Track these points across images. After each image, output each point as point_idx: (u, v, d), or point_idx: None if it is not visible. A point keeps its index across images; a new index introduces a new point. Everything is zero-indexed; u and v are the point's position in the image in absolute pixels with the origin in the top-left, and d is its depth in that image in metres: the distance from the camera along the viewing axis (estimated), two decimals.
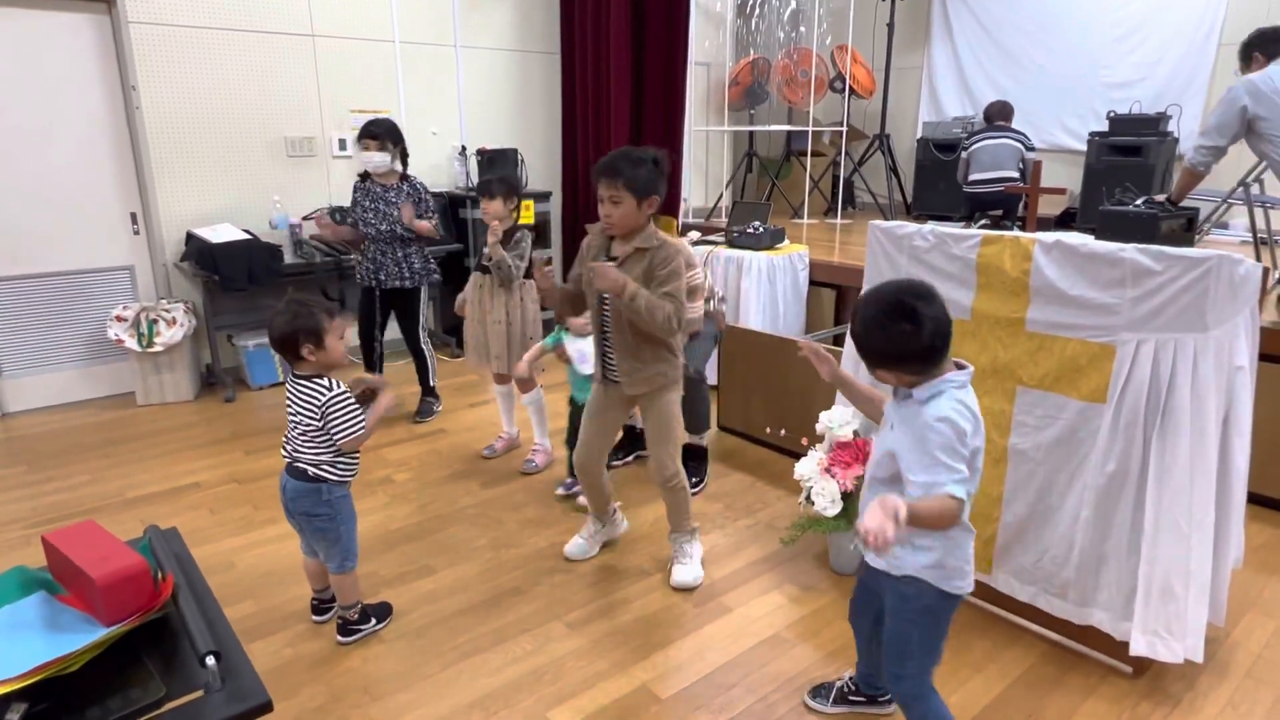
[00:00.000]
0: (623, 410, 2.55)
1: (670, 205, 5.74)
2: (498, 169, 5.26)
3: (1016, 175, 5.20)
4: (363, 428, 2.11)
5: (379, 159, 3.63)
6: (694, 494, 3.21)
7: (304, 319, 2.07)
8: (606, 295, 2.30)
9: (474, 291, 3.38)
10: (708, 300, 3.29)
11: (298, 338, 2.05)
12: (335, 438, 2.09)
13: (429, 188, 3.92)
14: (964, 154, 5.51)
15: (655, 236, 2.27)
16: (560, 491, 3.18)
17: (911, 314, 1.44)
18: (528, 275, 3.31)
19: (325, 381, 2.09)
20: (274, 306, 2.12)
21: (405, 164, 3.81)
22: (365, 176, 3.76)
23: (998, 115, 5.48)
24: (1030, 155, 5.22)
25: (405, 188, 3.77)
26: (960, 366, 1.54)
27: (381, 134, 3.66)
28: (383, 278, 3.80)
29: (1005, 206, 5.37)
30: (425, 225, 3.76)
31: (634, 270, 2.25)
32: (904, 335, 1.44)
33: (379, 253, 3.78)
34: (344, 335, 2.14)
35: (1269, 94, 3.29)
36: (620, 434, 2.65)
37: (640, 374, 2.38)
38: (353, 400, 2.11)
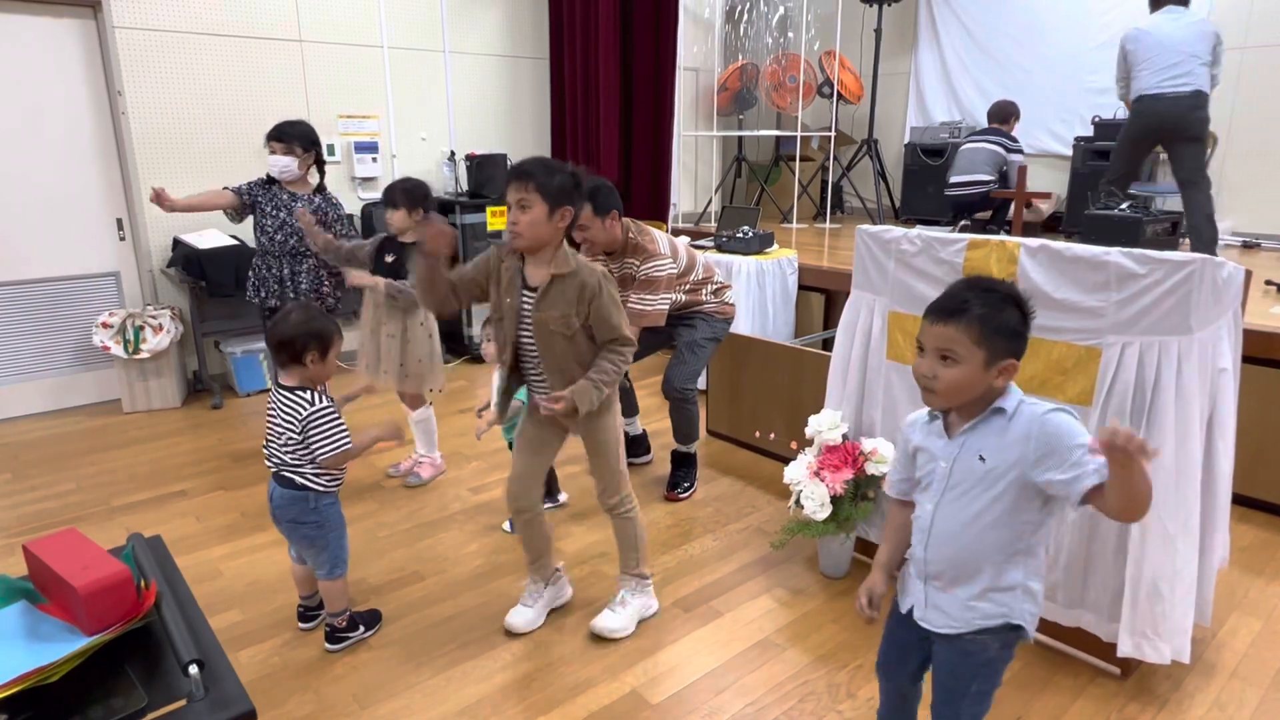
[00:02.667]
0: (558, 436, 2.31)
1: (659, 210, 5.76)
2: (487, 174, 5.26)
3: (990, 179, 5.23)
4: (345, 445, 2.09)
5: (284, 163, 3.26)
6: (683, 498, 3.22)
7: (318, 324, 2.06)
8: (527, 318, 2.08)
9: (371, 302, 3.17)
10: (699, 289, 3.15)
11: (307, 342, 2.04)
12: (315, 453, 2.07)
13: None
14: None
15: (569, 259, 2.04)
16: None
17: (1022, 304, 1.35)
18: None
19: (308, 395, 2.07)
20: (263, 313, 2.11)
21: (322, 173, 3.43)
22: (272, 181, 3.35)
23: (995, 117, 5.51)
24: (1014, 159, 5.25)
25: (319, 200, 3.36)
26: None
27: (290, 137, 3.27)
28: (264, 294, 3.39)
29: (983, 209, 5.41)
30: (321, 233, 3.14)
31: (558, 302, 2.03)
32: (1011, 316, 1.33)
33: (265, 267, 3.38)
34: (338, 354, 2.15)
35: (1136, 36, 4.38)
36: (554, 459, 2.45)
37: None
38: (336, 416, 2.09)
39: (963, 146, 5.47)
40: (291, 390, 2.07)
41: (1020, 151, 5.34)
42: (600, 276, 2.07)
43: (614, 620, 2.31)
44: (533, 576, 2.40)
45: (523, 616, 2.36)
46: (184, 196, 3.36)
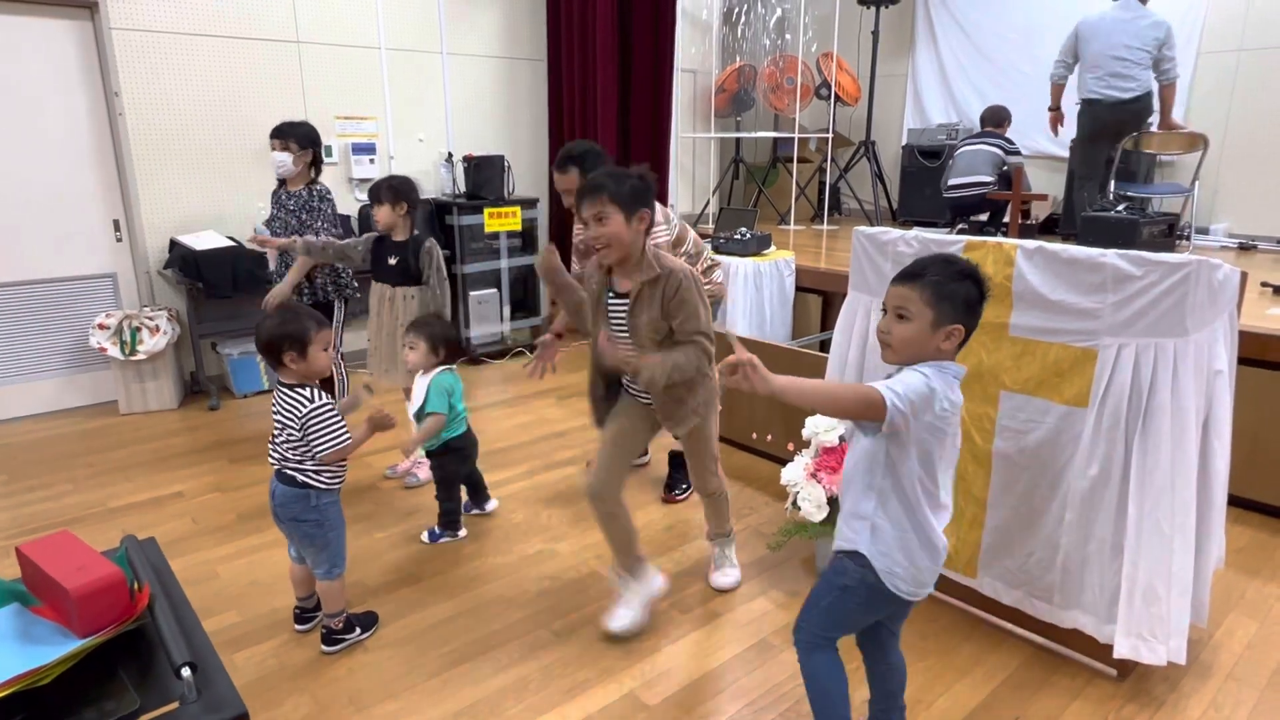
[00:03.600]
0: (649, 433, 2.36)
1: None
2: (484, 175, 5.26)
3: (990, 181, 5.24)
4: (345, 440, 2.10)
5: (280, 159, 3.36)
6: (681, 500, 3.22)
7: (291, 325, 2.07)
8: (620, 324, 2.17)
9: (379, 302, 3.21)
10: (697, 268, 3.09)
11: (282, 344, 2.05)
12: (315, 449, 2.08)
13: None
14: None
15: (654, 264, 2.09)
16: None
17: (980, 283, 1.50)
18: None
19: (307, 392, 2.08)
20: (258, 314, 2.12)
21: (318, 171, 3.51)
22: (282, 183, 3.48)
23: (989, 120, 5.53)
24: (1013, 160, 5.25)
25: (304, 193, 3.42)
26: None
27: (286, 135, 3.37)
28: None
29: (982, 211, 5.41)
30: (291, 241, 3.25)
31: (649, 309, 2.09)
32: (964, 287, 1.47)
33: (284, 265, 3.47)
34: (328, 347, 2.14)
35: (1090, 30, 4.71)
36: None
37: (683, 409, 2.22)
38: (334, 412, 2.10)
39: (962, 149, 5.47)
40: (290, 388, 2.09)
41: (1019, 154, 5.35)
42: (685, 274, 2.11)
43: (729, 576, 2.59)
44: (621, 569, 2.36)
45: (626, 619, 2.31)
46: (289, 282, 3.35)
